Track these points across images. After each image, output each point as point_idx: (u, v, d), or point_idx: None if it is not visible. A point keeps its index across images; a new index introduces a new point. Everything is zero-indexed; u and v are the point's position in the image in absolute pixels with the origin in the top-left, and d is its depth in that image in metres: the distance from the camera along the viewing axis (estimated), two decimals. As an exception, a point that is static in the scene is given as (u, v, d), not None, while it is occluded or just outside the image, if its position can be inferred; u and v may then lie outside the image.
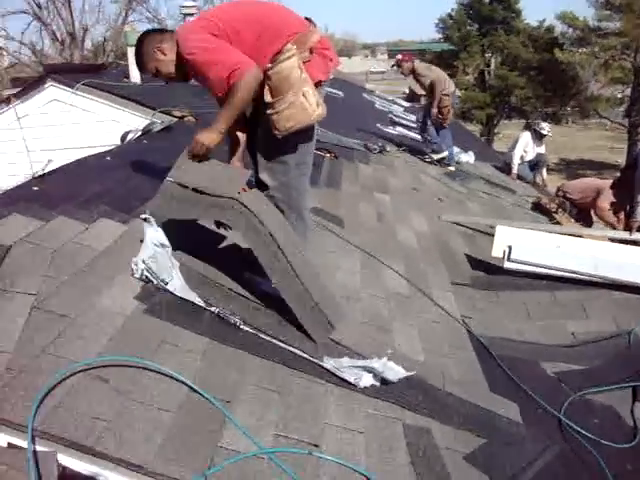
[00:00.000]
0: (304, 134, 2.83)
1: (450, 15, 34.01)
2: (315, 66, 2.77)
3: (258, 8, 2.89)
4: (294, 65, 2.63)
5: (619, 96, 31.72)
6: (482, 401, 2.70)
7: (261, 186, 2.98)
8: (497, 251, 4.32)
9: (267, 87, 2.69)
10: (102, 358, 2.02)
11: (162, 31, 2.97)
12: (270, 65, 2.66)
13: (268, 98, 2.68)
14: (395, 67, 8.39)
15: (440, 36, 35.62)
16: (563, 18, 30.34)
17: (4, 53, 23.20)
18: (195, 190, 2.64)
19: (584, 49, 30.00)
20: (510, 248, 4.18)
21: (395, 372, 2.44)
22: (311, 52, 2.75)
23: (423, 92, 8.48)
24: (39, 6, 23.58)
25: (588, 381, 3.10)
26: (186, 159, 2.78)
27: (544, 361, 3.28)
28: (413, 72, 8.10)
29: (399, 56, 8.37)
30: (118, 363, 2.02)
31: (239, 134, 3.07)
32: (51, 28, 23.96)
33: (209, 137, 2.72)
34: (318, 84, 2.78)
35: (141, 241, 2.59)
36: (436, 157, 8.30)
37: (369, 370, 2.42)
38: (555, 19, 31.08)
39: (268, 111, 2.70)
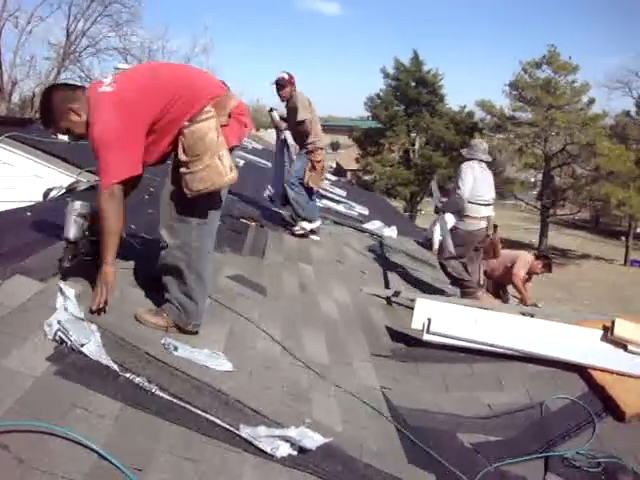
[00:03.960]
0: (213, 196, 2.84)
1: (378, 95, 35.58)
2: (231, 131, 2.83)
3: (176, 71, 2.98)
4: (211, 127, 2.68)
5: (532, 180, 33.85)
6: (400, 472, 2.70)
7: (160, 240, 2.94)
8: (417, 323, 4.40)
9: (181, 145, 2.70)
10: (4, 423, 1.89)
11: (73, 87, 2.89)
12: (187, 123, 2.70)
13: (183, 157, 2.70)
14: (274, 85, 6.28)
15: (368, 114, 37.10)
16: (482, 105, 32.49)
17: None
18: None
19: (501, 135, 32.08)
20: (429, 321, 4.27)
21: (313, 440, 2.41)
22: (230, 117, 2.80)
23: (283, 125, 6.57)
24: (-33, 56, 23.20)
25: (503, 452, 3.17)
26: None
27: (461, 432, 3.33)
28: (291, 96, 6.24)
29: (285, 75, 6.27)
30: (21, 428, 1.90)
31: None
32: (-23, 80, 23.53)
33: (109, 272, 2.75)
34: (232, 149, 2.84)
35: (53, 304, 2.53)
36: (309, 227, 6.60)
37: (286, 439, 2.39)
38: (475, 105, 33.18)
39: (182, 169, 2.71)
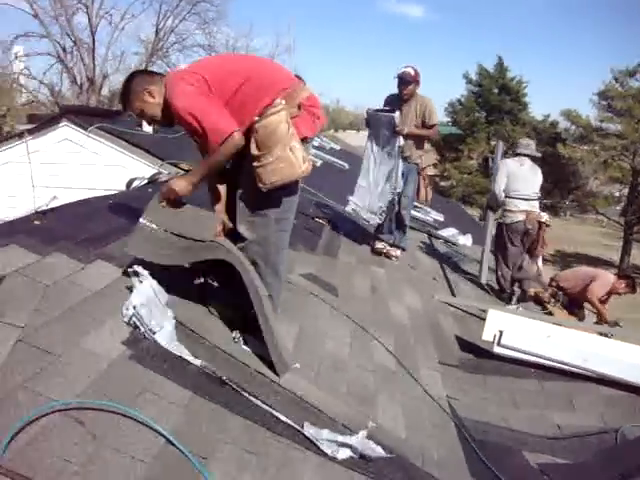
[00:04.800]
0: (288, 189, 2.85)
1: (460, 101, 34.98)
2: (303, 122, 2.82)
3: (248, 62, 3.03)
4: (282, 119, 2.68)
5: (617, 195, 32.37)
6: (462, 486, 2.64)
7: (238, 238, 2.96)
8: (488, 335, 4.30)
9: (253, 140, 2.71)
10: (82, 400, 1.97)
11: (153, 73, 3.01)
12: (258, 118, 2.70)
13: (255, 151, 2.70)
14: (397, 79, 5.54)
15: (448, 119, 36.47)
16: (567, 115, 31.29)
17: (23, 90, 23.75)
18: (169, 232, 2.79)
19: (585, 146, 30.80)
20: (501, 333, 4.16)
21: (374, 451, 2.38)
22: (299, 108, 2.80)
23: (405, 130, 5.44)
24: (64, 50, 24.35)
25: (572, 476, 3.04)
26: (157, 202, 2.88)
27: (528, 451, 3.22)
28: (412, 96, 5.57)
29: (411, 69, 5.50)
30: (97, 407, 1.98)
31: (220, 187, 3.08)
32: (72, 71, 24.67)
33: (181, 185, 2.81)
34: (304, 140, 2.83)
35: (130, 290, 2.62)
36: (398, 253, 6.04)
37: (348, 446, 2.37)
38: (559, 115, 32.06)
39: (254, 163, 2.72)
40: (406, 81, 5.48)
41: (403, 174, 5.70)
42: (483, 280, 6.65)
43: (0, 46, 23.55)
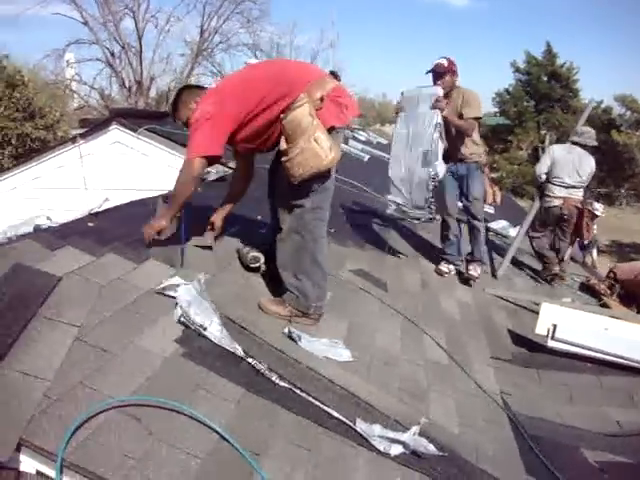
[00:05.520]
0: (320, 178, 2.92)
1: (507, 90, 34.28)
2: (328, 113, 2.88)
3: (275, 67, 3.32)
4: (305, 113, 2.77)
5: (677, 182, 31.12)
6: (517, 483, 2.59)
7: (278, 228, 3.10)
8: (541, 329, 4.22)
9: (283, 136, 2.84)
10: (137, 397, 2.02)
11: (201, 87, 3.26)
12: (283, 115, 2.82)
13: (283, 146, 2.82)
14: (431, 74, 4.99)
15: (496, 110, 35.76)
16: (622, 100, 30.26)
17: (75, 96, 24.40)
18: None
19: (641, 132, 29.67)
20: (555, 327, 4.08)
21: (426, 449, 2.36)
22: (322, 100, 2.85)
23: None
24: (112, 54, 24.92)
25: (634, 476, 2.93)
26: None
27: (585, 448, 3.11)
28: (452, 88, 4.99)
29: (444, 60, 4.98)
30: (152, 403, 2.02)
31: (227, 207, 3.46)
32: (121, 75, 25.20)
33: (158, 224, 3.10)
34: (331, 129, 2.87)
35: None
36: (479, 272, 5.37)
37: (399, 442, 2.36)
38: (613, 101, 31.01)
39: (283, 159, 2.84)
40: (439, 73, 4.93)
41: (464, 177, 5.24)
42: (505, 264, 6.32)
43: (53, 54, 24.25)
